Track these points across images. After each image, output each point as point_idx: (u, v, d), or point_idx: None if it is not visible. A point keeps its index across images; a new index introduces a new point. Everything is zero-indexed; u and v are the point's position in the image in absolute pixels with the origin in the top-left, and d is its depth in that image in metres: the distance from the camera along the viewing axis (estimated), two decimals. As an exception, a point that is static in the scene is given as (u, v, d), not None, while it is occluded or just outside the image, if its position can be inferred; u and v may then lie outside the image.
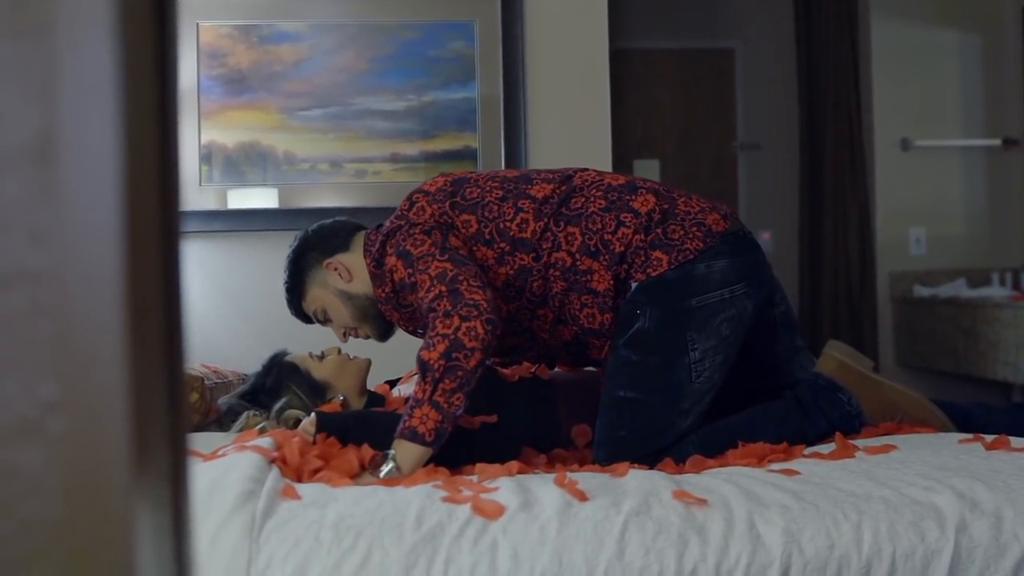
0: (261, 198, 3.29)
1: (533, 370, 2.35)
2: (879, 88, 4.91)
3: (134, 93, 0.46)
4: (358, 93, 3.34)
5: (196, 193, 3.26)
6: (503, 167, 3.29)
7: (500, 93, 3.33)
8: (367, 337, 2.34)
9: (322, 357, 2.35)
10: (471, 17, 3.35)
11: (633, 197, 2.14)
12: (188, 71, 3.26)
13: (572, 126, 3.36)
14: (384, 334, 2.34)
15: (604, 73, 3.38)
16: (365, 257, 2.22)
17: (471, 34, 3.35)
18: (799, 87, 5.08)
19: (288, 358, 2.37)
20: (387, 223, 2.21)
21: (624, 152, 5.01)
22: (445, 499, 1.61)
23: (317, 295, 2.28)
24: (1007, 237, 4.98)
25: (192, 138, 3.26)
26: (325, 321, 2.32)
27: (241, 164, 3.30)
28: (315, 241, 2.28)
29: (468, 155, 3.35)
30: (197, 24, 3.28)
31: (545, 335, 2.20)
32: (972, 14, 5.01)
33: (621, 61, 4.93)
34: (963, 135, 5.00)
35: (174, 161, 0.50)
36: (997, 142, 4.98)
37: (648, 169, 5.26)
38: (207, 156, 3.29)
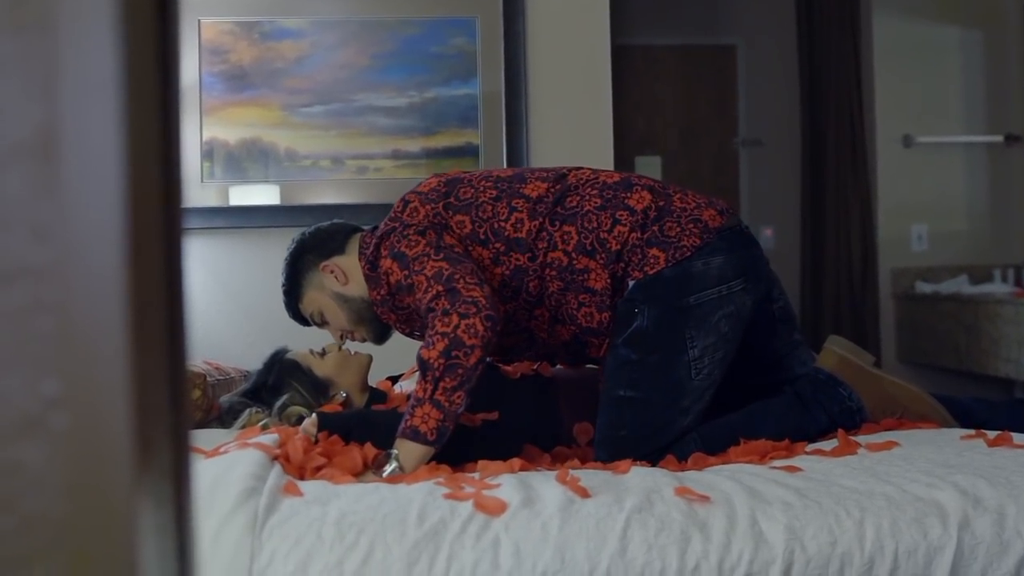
0: (263, 195, 3.29)
1: (535, 367, 2.35)
2: (881, 84, 4.91)
3: (136, 89, 0.46)
4: (360, 89, 3.33)
5: (198, 190, 3.26)
6: (505, 164, 3.29)
7: (502, 89, 3.33)
8: (363, 340, 2.34)
9: (323, 354, 2.35)
10: (473, 13, 3.35)
11: (629, 194, 2.13)
12: (190, 68, 3.26)
13: (574, 122, 3.36)
14: (380, 337, 2.34)
15: (606, 69, 3.38)
16: (360, 260, 2.21)
17: (473, 30, 3.35)
18: (801, 83, 5.08)
19: (289, 355, 2.37)
20: (381, 225, 2.21)
21: (626, 148, 5.01)
22: (447, 496, 1.61)
23: (314, 297, 2.28)
24: (1009, 233, 4.98)
25: (194, 135, 3.26)
26: (322, 323, 2.32)
27: (243, 161, 3.30)
28: (312, 243, 2.28)
29: (470, 151, 3.35)
30: (199, 20, 3.28)
31: (543, 335, 2.20)
32: (974, 10, 5.00)
33: (623, 57, 4.92)
34: (965, 131, 5.00)
35: (176, 157, 0.50)
36: (999, 138, 4.98)
37: (650, 165, 5.25)
38: (209, 153, 3.29)
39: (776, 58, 5.28)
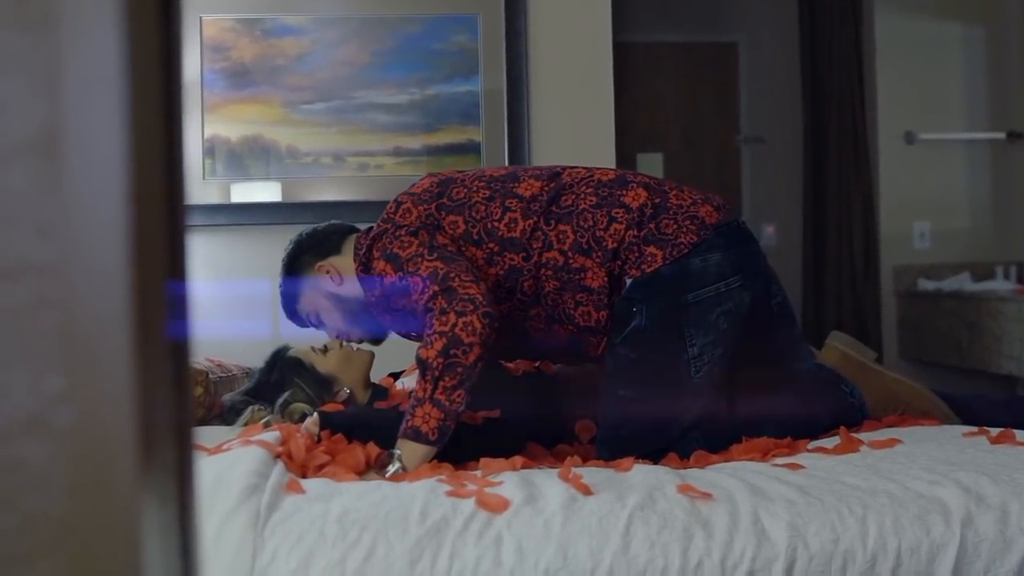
0: (264, 192, 3.29)
1: (537, 365, 2.34)
2: (883, 81, 4.90)
3: (139, 86, 0.46)
4: (361, 87, 3.33)
5: (200, 187, 3.26)
6: (507, 161, 3.29)
7: (503, 87, 3.33)
8: (360, 341, 2.33)
9: (325, 350, 2.34)
10: (474, 11, 3.35)
11: (624, 192, 2.12)
12: (191, 65, 3.26)
13: (575, 120, 3.36)
14: (376, 337, 2.33)
15: (607, 67, 3.38)
16: (354, 261, 2.21)
17: (474, 28, 3.35)
18: (803, 80, 5.08)
19: (291, 352, 2.37)
20: (374, 227, 2.20)
21: (627, 146, 5.00)
22: (449, 493, 1.61)
23: (310, 298, 2.27)
24: (1012, 230, 4.97)
25: (196, 132, 3.26)
26: (318, 324, 2.31)
27: (244, 158, 3.30)
28: (308, 244, 2.27)
29: (471, 149, 3.35)
30: (200, 18, 3.28)
31: (540, 335, 2.18)
32: (975, 6, 4.99)
33: (624, 55, 4.92)
34: (967, 128, 4.99)
35: (179, 155, 0.50)
36: (1001, 135, 4.97)
37: (651, 163, 5.25)
38: (210, 150, 3.29)
39: (778, 55, 5.27)
